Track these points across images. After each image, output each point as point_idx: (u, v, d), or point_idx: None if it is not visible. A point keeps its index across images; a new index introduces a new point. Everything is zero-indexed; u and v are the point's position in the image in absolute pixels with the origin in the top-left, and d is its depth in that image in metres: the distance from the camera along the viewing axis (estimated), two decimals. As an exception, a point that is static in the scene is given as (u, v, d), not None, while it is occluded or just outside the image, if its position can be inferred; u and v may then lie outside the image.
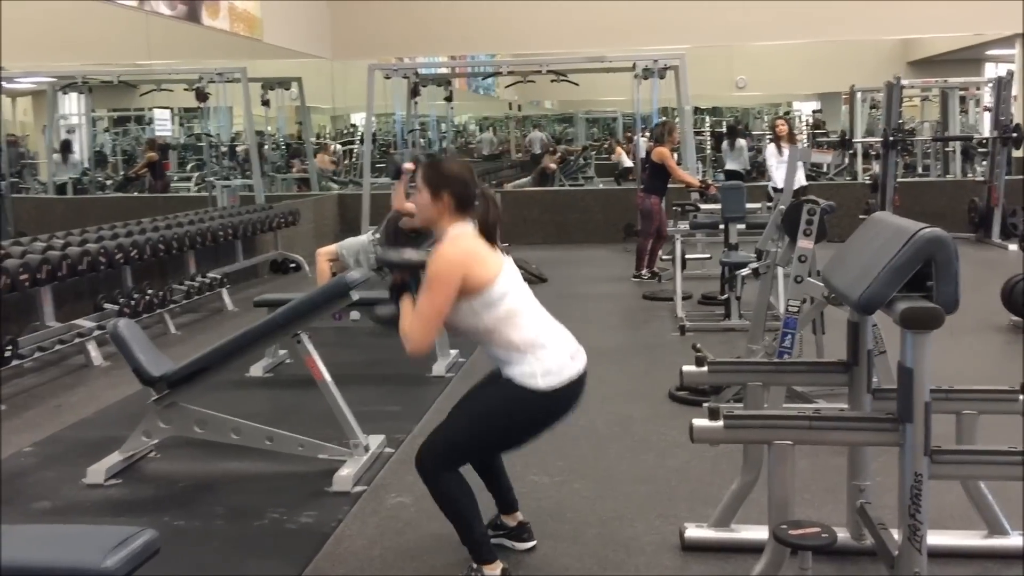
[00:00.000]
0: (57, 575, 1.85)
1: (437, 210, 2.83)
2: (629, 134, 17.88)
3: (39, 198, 12.87)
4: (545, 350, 2.77)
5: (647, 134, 11.31)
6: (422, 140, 14.03)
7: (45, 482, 3.96)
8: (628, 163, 15.84)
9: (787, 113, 21.86)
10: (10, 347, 5.19)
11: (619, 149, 16.56)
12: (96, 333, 6.00)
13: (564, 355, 2.81)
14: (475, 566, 2.87)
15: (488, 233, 2.86)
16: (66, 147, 13.09)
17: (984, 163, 11.69)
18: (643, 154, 10.39)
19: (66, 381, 5.65)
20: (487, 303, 2.75)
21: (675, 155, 8.90)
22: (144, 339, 4.08)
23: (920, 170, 14.24)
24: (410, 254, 2.90)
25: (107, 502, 3.72)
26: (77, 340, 5.92)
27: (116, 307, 6.36)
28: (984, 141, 11.73)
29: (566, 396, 2.81)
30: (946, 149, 13.48)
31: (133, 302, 6.47)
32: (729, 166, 12.59)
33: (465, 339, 2.89)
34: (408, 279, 2.88)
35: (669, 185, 8.67)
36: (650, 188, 8.62)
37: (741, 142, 13.05)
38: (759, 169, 13.30)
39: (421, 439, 4.30)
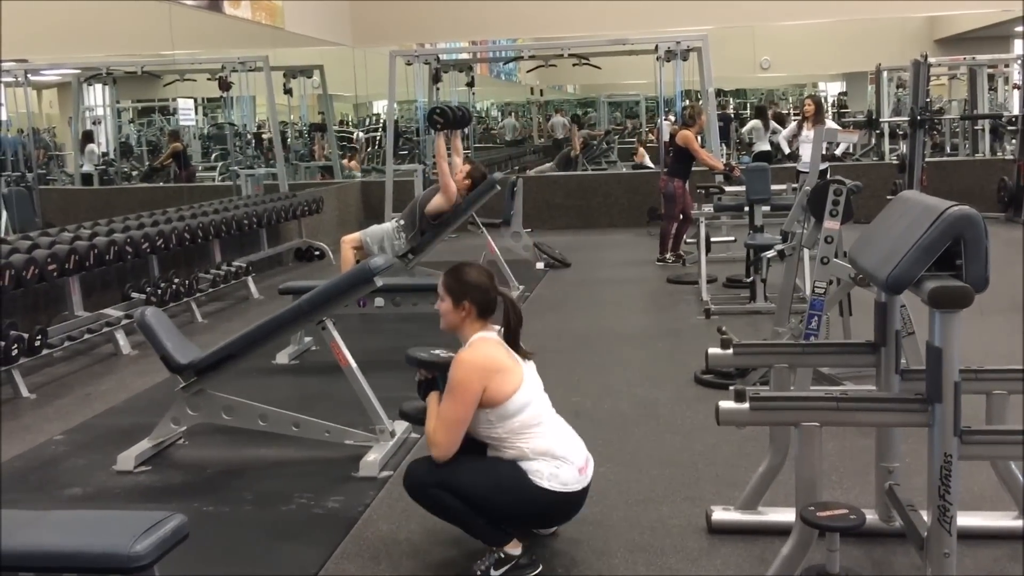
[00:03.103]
0: (88, 559, 1.87)
1: (460, 317, 2.90)
2: (651, 136, 17.53)
3: (66, 189, 12.98)
4: (556, 460, 2.81)
5: (670, 117, 11.24)
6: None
7: (76, 469, 4.01)
8: (650, 165, 14.76)
9: (811, 95, 21.64)
10: (40, 337, 5.25)
11: (641, 151, 15.86)
12: (124, 322, 6.06)
13: (574, 469, 2.84)
14: (494, 549, 2.89)
15: (512, 336, 2.91)
16: (87, 138, 13.17)
17: (1014, 141, 11.52)
18: (667, 137, 10.33)
19: (95, 370, 5.71)
20: (503, 415, 2.80)
21: (699, 138, 8.85)
22: (171, 327, 4.11)
23: (948, 149, 14.06)
24: (438, 354, 2.98)
25: (137, 488, 3.77)
26: (105, 329, 5.99)
27: (143, 296, 6.42)
28: (1013, 119, 11.55)
29: (566, 503, 2.85)
30: (975, 128, 13.29)
31: (160, 291, 6.52)
32: (759, 147, 12.51)
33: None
34: (436, 376, 2.95)
35: (693, 168, 8.61)
36: (673, 171, 8.57)
37: (756, 123, 13.01)
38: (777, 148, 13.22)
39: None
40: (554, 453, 2.82)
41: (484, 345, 2.86)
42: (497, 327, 2.94)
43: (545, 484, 2.78)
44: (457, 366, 2.81)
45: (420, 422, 3.00)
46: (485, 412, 2.80)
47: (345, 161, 13.91)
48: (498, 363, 2.83)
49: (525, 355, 2.93)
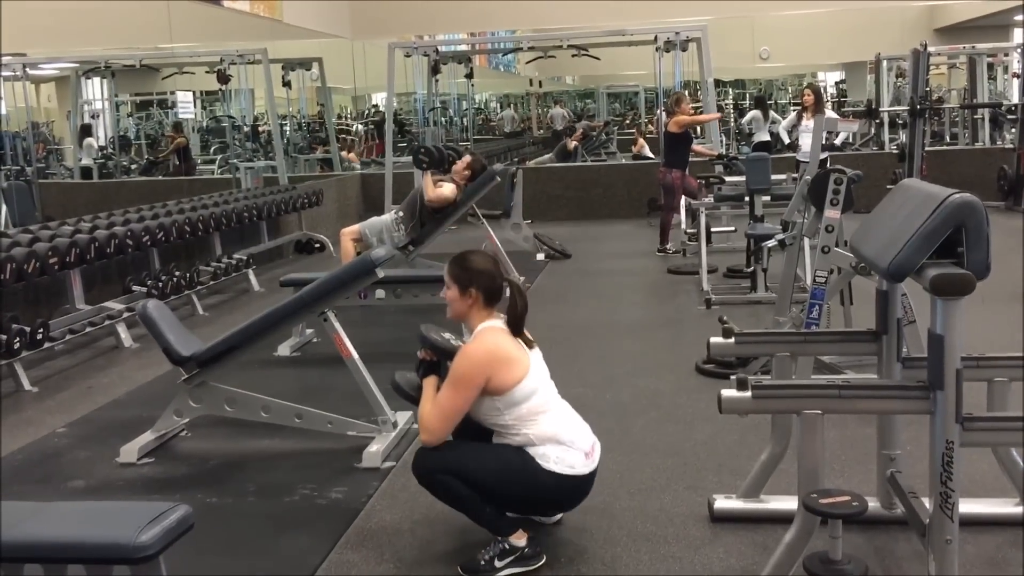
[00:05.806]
0: (93, 550, 1.87)
1: (467, 304, 2.91)
2: (650, 127, 17.41)
3: (65, 183, 12.97)
4: (562, 446, 2.82)
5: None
6: (443, 119, 14.04)
7: (79, 462, 4.02)
8: (649, 155, 14.87)
9: (810, 85, 21.62)
10: (41, 330, 5.26)
11: (640, 141, 15.80)
12: (125, 315, 6.06)
13: (580, 453, 2.85)
14: (499, 538, 2.89)
15: (516, 324, 2.91)
16: (86, 131, 13.14)
17: (1013, 130, 11.51)
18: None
19: (97, 363, 5.71)
20: (510, 402, 2.80)
21: (697, 129, 8.94)
22: (173, 320, 4.11)
23: (948, 138, 14.05)
24: (448, 339, 2.98)
25: (140, 480, 3.77)
26: (107, 322, 5.98)
27: (144, 289, 6.42)
28: (1013, 108, 11.53)
29: (573, 487, 2.86)
30: (974, 117, 13.27)
31: (161, 284, 6.52)
32: (759, 137, 12.50)
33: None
34: (440, 360, 2.95)
35: (691, 159, 8.62)
36: (670, 162, 8.56)
37: (756, 113, 13.02)
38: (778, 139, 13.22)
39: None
40: (560, 438, 2.83)
41: (490, 335, 2.86)
42: (502, 316, 2.94)
43: (552, 467, 2.79)
44: (462, 358, 2.82)
45: (409, 398, 3.01)
46: (492, 399, 2.80)
47: (344, 152, 13.88)
48: (504, 352, 2.83)
49: (529, 343, 2.94)
